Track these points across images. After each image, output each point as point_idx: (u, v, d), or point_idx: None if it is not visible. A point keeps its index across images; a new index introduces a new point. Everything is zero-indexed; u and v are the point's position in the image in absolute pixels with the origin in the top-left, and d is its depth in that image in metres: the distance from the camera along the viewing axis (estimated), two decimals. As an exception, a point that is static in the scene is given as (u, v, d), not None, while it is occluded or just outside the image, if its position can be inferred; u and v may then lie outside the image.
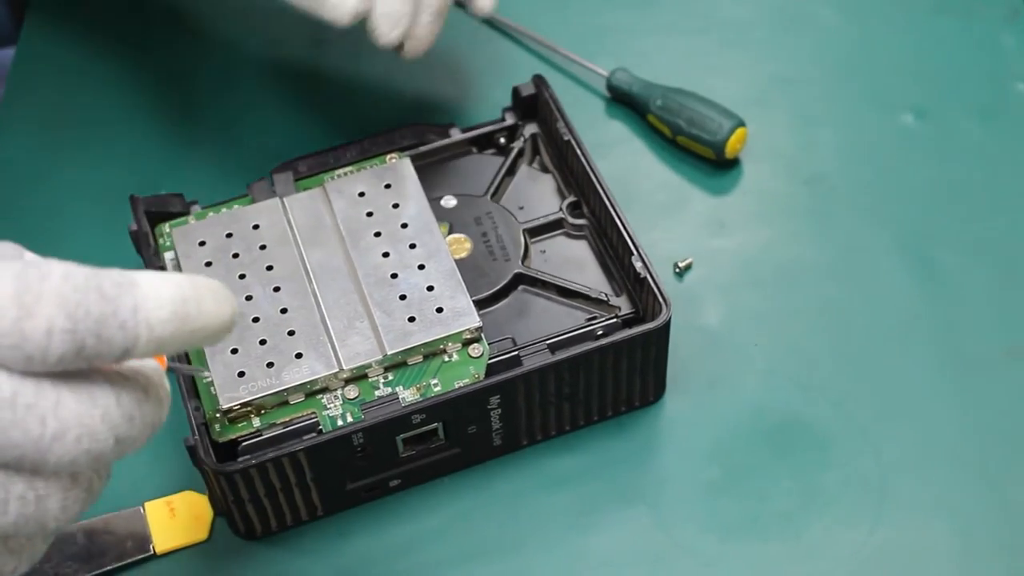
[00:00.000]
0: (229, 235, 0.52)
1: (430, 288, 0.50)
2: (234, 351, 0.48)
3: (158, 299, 0.33)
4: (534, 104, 0.56)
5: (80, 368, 0.33)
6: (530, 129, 0.56)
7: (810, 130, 0.61)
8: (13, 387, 0.32)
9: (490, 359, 0.49)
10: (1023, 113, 0.61)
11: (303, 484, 0.47)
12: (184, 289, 0.33)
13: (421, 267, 0.50)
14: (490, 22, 0.66)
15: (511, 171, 0.56)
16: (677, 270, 0.56)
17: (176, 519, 0.48)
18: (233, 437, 0.46)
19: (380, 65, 0.64)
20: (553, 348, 0.49)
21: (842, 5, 0.66)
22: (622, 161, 0.60)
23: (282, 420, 0.47)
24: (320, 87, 0.64)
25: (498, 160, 0.56)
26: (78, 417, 0.32)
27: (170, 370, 0.37)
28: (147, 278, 0.33)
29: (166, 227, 0.53)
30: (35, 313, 0.31)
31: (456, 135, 0.56)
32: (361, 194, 0.53)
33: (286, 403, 0.47)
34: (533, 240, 0.53)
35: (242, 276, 0.50)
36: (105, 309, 0.32)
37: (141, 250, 0.52)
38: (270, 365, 0.47)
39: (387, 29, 0.49)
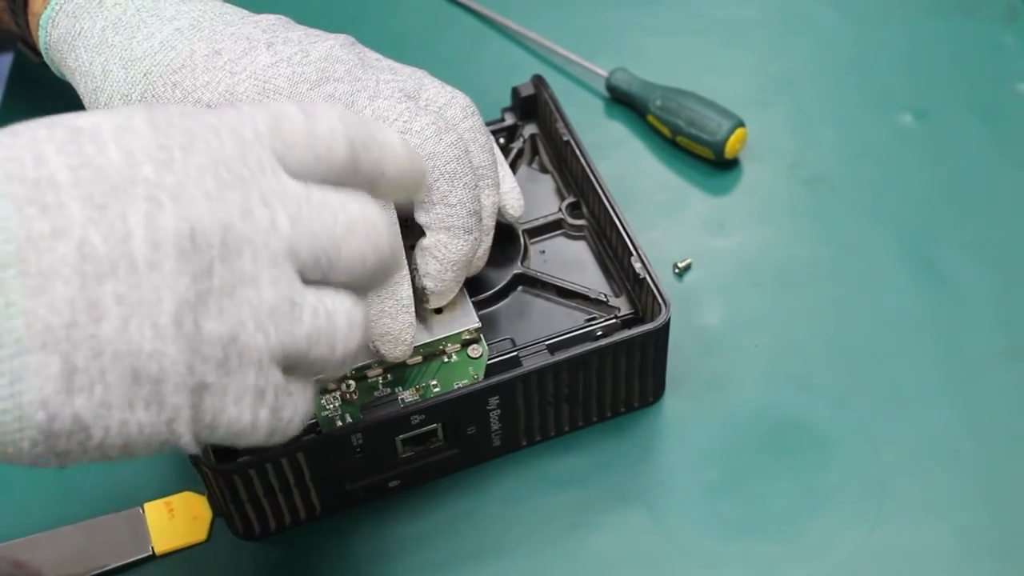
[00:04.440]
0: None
1: (429, 289, 0.49)
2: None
3: (394, 136, 0.39)
4: (533, 104, 0.56)
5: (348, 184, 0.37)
6: (529, 129, 0.56)
7: (810, 130, 0.61)
8: (305, 188, 0.35)
9: (489, 360, 0.49)
10: (1023, 113, 0.61)
11: (302, 485, 0.47)
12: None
13: (420, 268, 0.50)
14: (490, 22, 0.66)
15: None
16: (676, 270, 0.56)
17: (175, 520, 0.48)
18: (232, 438, 0.46)
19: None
20: (552, 349, 0.49)
21: (842, 5, 0.66)
22: (621, 161, 0.60)
23: (281, 421, 0.47)
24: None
25: (497, 160, 0.56)
26: (363, 213, 0.36)
27: None
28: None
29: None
30: (319, 117, 0.36)
31: (455, 135, 0.56)
32: (360, 195, 0.53)
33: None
34: (532, 241, 0.53)
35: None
36: (366, 127, 0.38)
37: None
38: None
39: (390, 348, 0.46)
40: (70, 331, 0.31)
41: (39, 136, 0.33)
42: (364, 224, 0.36)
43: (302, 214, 0.35)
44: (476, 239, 0.47)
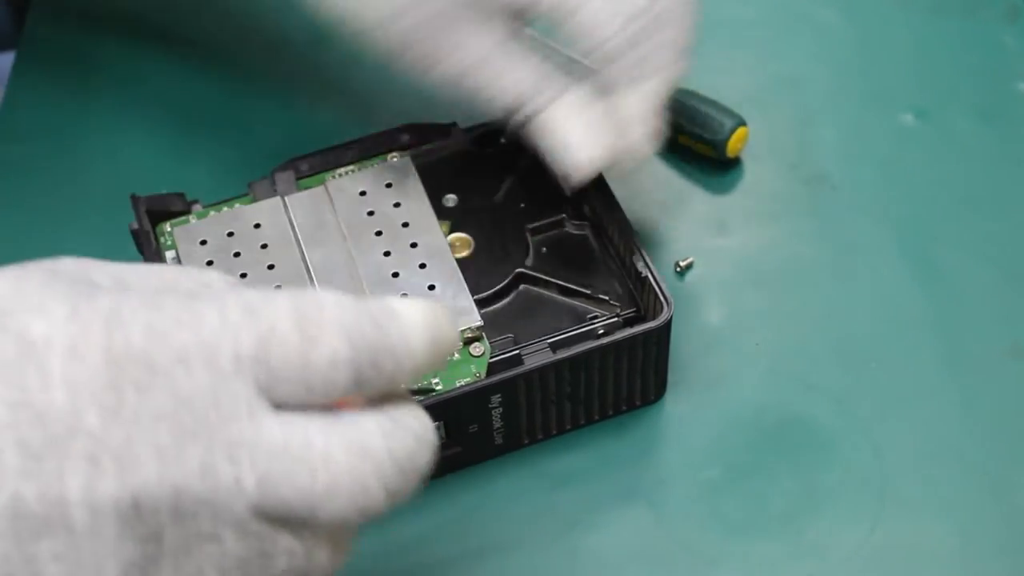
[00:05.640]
0: (230, 234, 0.52)
1: (431, 287, 0.50)
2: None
3: (415, 325, 0.32)
4: (535, 103, 0.56)
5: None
6: (531, 128, 0.56)
7: (811, 130, 0.61)
8: (284, 435, 0.30)
9: (491, 358, 0.49)
10: (1023, 113, 0.61)
11: (304, 483, 0.47)
12: (430, 315, 0.33)
13: (422, 266, 0.50)
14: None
15: (512, 170, 0.55)
16: (678, 269, 0.56)
17: (177, 518, 0.48)
18: (234, 436, 0.46)
19: (381, 65, 0.63)
20: (554, 347, 0.49)
21: (842, 5, 0.66)
22: (623, 160, 0.60)
23: (283, 419, 0.47)
24: (321, 87, 0.64)
25: (499, 159, 0.56)
26: (350, 472, 0.30)
27: None
28: (401, 305, 0.32)
29: (167, 226, 0.53)
30: (320, 342, 0.30)
31: (457, 134, 0.56)
32: (362, 193, 0.53)
33: (287, 402, 0.47)
34: (534, 238, 0.53)
35: (243, 275, 0.50)
36: (379, 338, 0.31)
37: (143, 249, 0.52)
38: (271, 364, 0.47)
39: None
40: None
41: None
42: (350, 484, 0.30)
43: (272, 472, 0.30)
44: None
